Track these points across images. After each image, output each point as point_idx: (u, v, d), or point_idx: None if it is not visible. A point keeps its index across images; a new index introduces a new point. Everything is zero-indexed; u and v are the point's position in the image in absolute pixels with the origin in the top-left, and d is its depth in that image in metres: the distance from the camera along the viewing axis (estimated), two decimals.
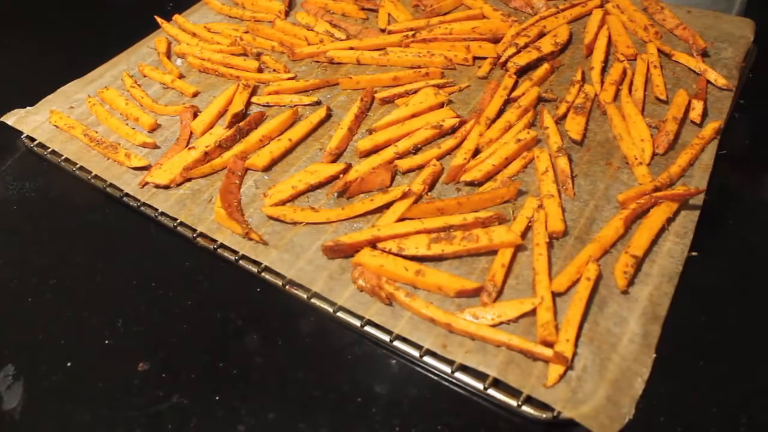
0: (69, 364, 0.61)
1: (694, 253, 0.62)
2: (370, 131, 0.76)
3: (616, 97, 0.77)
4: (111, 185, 0.75)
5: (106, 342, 0.62)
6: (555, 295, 0.59)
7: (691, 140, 0.72)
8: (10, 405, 0.58)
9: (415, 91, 0.79)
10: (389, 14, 0.93)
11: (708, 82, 0.78)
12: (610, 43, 0.84)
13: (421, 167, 0.71)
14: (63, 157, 0.79)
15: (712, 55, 0.82)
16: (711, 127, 0.72)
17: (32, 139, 0.82)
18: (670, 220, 0.64)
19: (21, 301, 0.67)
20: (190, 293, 0.66)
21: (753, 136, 0.76)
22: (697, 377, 0.55)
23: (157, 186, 0.73)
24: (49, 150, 0.80)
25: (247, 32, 0.93)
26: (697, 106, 0.74)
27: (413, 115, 0.76)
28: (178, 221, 0.70)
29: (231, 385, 0.58)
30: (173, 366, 0.60)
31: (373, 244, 0.63)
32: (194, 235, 0.69)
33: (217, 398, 0.57)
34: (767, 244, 0.65)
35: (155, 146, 0.79)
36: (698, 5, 0.90)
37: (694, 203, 0.66)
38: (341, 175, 0.71)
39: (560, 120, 0.75)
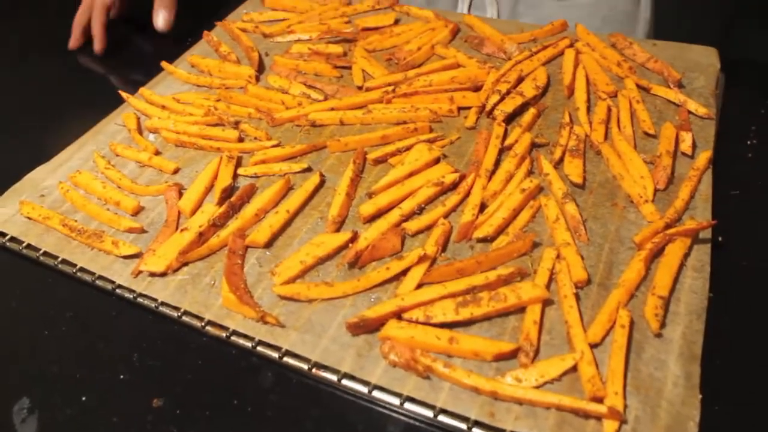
0: (84, 398, 0.61)
1: (710, 294, 0.62)
2: (370, 194, 0.74)
3: (607, 135, 0.78)
4: (100, 277, 0.71)
5: (121, 377, 0.63)
6: (592, 347, 0.58)
7: (685, 172, 0.73)
8: None
9: (407, 148, 0.78)
10: (363, 70, 0.92)
11: (689, 112, 0.80)
12: (588, 81, 0.85)
13: (429, 228, 0.70)
14: (41, 251, 0.74)
15: (686, 86, 0.84)
16: (704, 156, 0.73)
17: (3, 234, 0.77)
18: (685, 256, 0.65)
19: (37, 332, 0.67)
20: None
21: None
22: (711, 421, 0.54)
23: (153, 274, 0.69)
24: (25, 244, 0.75)
25: (219, 100, 0.90)
26: (687, 138, 0.75)
27: (410, 174, 0.74)
28: (182, 310, 0.66)
29: (245, 423, 0.58)
30: (187, 402, 0.60)
31: (398, 315, 0.61)
32: (202, 324, 0.65)
33: None
34: None
35: (143, 230, 0.75)
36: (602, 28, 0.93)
37: (704, 236, 0.66)
38: (350, 245, 0.68)
39: (557, 164, 0.75)
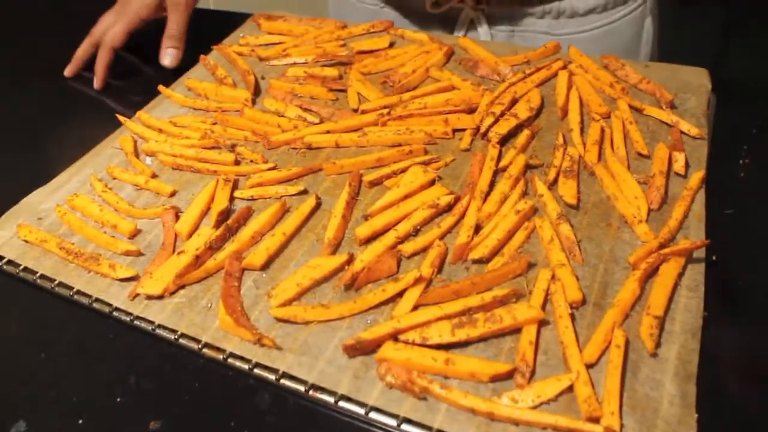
0: (80, 421, 0.61)
1: (705, 313, 0.63)
2: (366, 217, 0.74)
3: (600, 156, 0.79)
4: (97, 300, 0.71)
5: (118, 399, 0.62)
6: (588, 367, 0.58)
7: (679, 191, 0.73)
8: None
9: (403, 171, 0.79)
10: (359, 93, 0.93)
11: (681, 132, 0.81)
12: (581, 103, 0.86)
13: (424, 249, 0.70)
14: (38, 274, 0.74)
15: (678, 106, 0.85)
16: (696, 176, 0.74)
17: (0, 258, 0.77)
18: (680, 275, 0.65)
19: (34, 355, 0.68)
20: None
21: None
22: None
23: (150, 297, 0.69)
24: (21, 267, 0.75)
25: (215, 123, 0.90)
26: (680, 158, 0.76)
27: (406, 196, 0.75)
28: (179, 333, 0.66)
29: None
30: (184, 424, 0.60)
31: (394, 336, 0.61)
32: (199, 347, 0.65)
33: None
34: None
35: (140, 253, 0.75)
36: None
37: (698, 255, 0.67)
38: (346, 267, 0.69)
39: (551, 185, 0.76)
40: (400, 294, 0.65)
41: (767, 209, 0.75)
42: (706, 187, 0.74)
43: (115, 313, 0.70)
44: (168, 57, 1.08)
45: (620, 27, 1.12)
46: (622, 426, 0.54)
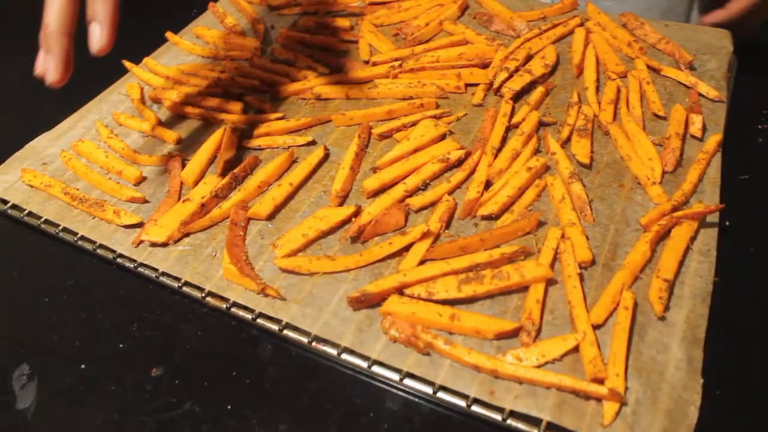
0: (83, 366, 0.62)
1: (715, 278, 0.62)
2: (374, 169, 0.73)
3: (615, 116, 0.77)
4: (101, 246, 0.70)
5: (121, 345, 0.63)
6: (594, 328, 0.57)
7: (695, 155, 0.72)
8: (23, 404, 0.59)
9: (413, 124, 0.77)
10: (370, 45, 0.91)
11: (700, 94, 0.79)
12: (598, 61, 0.84)
13: (433, 204, 0.69)
14: (43, 219, 0.73)
15: (698, 68, 0.83)
16: (713, 140, 0.72)
17: (5, 202, 0.76)
18: (692, 239, 0.64)
19: (38, 300, 0.68)
20: None
21: None
22: (713, 406, 0.53)
23: (154, 244, 0.69)
24: (26, 212, 0.75)
25: (223, 72, 0.89)
26: (696, 121, 0.74)
27: (416, 150, 0.74)
28: (182, 281, 0.66)
29: (243, 395, 0.59)
30: (186, 373, 0.60)
31: (400, 290, 0.61)
32: (203, 295, 0.65)
33: (229, 407, 0.58)
34: None
35: (145, 200, 0.74)
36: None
37: (711, 220, 0.66)
38: (353, 219, 0.68)
39: (564, 144, 0.74)
40: (407, 248, 0.64)
41: None
42: (722, 152, 0.72)
43: (119, 260, 0.69)
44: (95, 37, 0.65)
45: None
46: (626, 388, 0.54)
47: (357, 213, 0.68)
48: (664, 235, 0.64)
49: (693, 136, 0.74)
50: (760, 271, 0.65)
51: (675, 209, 0.66)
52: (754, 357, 0.59)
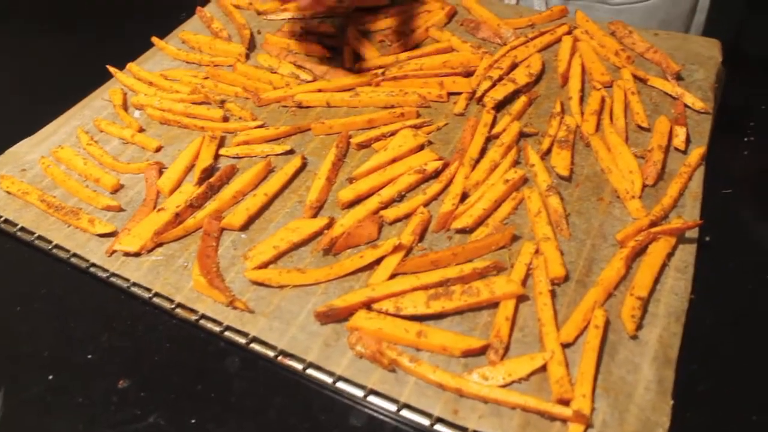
0: (51, 377, 0.61)
1: (691, 296, 0.60)
2: (351, 180, 0.72)
3: (598, 127, 0.76)
4: (75, 255, 0.70)
5: (90, 356, 0.63)
6: (564, 346, 0.56)
7: (677, 168, 0.70)
8: None
9: (392, 134, 0.76)
10: (355, 51, 0.90)
11: (686, 105, 0.77)
12: (584, 70, 0.83)
13: (408, 216, 0.68)
14: (19, 227, 0.73)
15: (686, 78, 0.81)
16: (696, 153, 0.71)
17: None
18: (669, 255, 0.62)
19: (10, 308, 0.68)
20: None
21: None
22: (682, 429, 0.52)
23: (127, 254, 0.68)
24: (2, 219, 0.74)
25: (207, 78, 0.88)
26: (680, 133, 0.73)
27: (393, 160, 0.73)
28: (153, 292, 0.65)
29: (209, 408, 0.58)
30: (153, 385, 0.60)
31: (368, 305, 0.60)
32: (172, 307, 0.64)
33: (194, 421, 0.57)
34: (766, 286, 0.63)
35: (120, 209, 0.73)
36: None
37: (690, 235, 0.64)
38: (325, 231, 0.67)
39: (545, 155, 0.73)
40: (379, 261, 0.63)
41: (765, 190, 0.71)
42: (706, 165, 0.71)
43: (92, 269, 0.69)
44: None
45: None
46: (593, 410, 0.52)
47: (330, 225, 0.67)
48: (640, 251, 0.63)
49: (676, 149, 0.73)
50: (739, 289, 0.63)
51: (653, 224, 0.64)
52: (728, 377, 0.57)
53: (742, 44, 0.95)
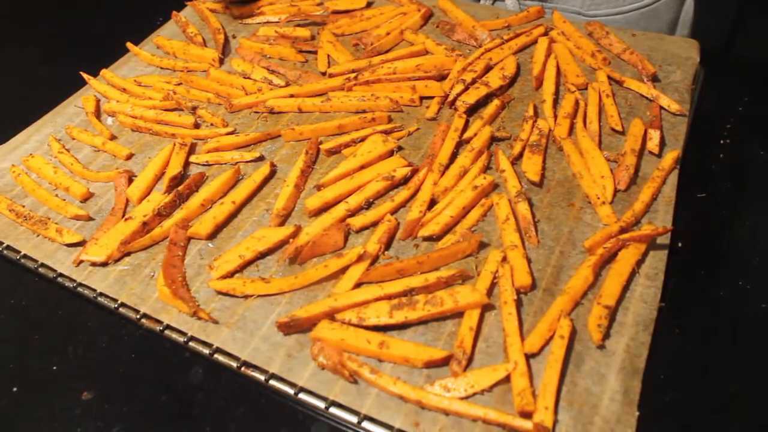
0: (15, 389, 0.61)
1: (661, 304, 0.59)
2: (318, 187, 0.71)
3: (571, 131, 0.74)
4: (43, 265, 0.69)
5: (55, 368, 0.62)
6: (529, 357, 0.55)
7: (651, 172, 0.69)
8: None
9: (362, 139, 0.75)
10: (329, 56, 0.89)
11: (661, 108, 0.76)
12: (559, 72, 0.81)
13: (375, 224, 0.67)
14: None
15: (662, 79, 0.80)
16: (670, 156, 0.70)
17: None
18: (639, 262, 0.61)
19: None
20: None
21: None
22: None
23: (94, 264, 0.68)
24: None
25: (180, 84, 0.87)
26: (654, 136, 0.72)
27: (362, 166, 0.72)
28: (119, 302, 0.65)
29: (171, 421, 0.57)
30: (116, 396, 0.60)
31: (331, 315, 0.59)
32: (138, 317, 0.63)
33: None
34: (737, 295, 0.62)
35: (89, 218, 0.73)
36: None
37: (661, 241, 0.63)
38: (291, 240, 0.66)
39: (516, 160, 0.72)
40: (344, 270, 0.63)
41: (740, 195, 0.70)
42: (680, 168, 0.70)
43: (59, 279, 0.68)
44: None
45: (658, 9, 1.02)
46: (556, 422, 0.52)
47: (296, 233, 0.67)
48: (610, 259, 0.62)
49: (650, 152, 0.72)
50: (709, 296, 0.62)
51: (623, 231, 0.63)
52: (697, 386, 0.56)
53: (721, 46, 0.93)
